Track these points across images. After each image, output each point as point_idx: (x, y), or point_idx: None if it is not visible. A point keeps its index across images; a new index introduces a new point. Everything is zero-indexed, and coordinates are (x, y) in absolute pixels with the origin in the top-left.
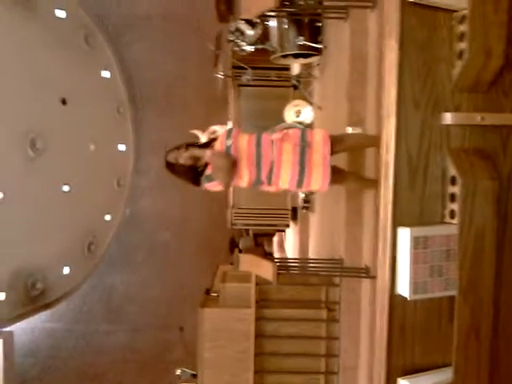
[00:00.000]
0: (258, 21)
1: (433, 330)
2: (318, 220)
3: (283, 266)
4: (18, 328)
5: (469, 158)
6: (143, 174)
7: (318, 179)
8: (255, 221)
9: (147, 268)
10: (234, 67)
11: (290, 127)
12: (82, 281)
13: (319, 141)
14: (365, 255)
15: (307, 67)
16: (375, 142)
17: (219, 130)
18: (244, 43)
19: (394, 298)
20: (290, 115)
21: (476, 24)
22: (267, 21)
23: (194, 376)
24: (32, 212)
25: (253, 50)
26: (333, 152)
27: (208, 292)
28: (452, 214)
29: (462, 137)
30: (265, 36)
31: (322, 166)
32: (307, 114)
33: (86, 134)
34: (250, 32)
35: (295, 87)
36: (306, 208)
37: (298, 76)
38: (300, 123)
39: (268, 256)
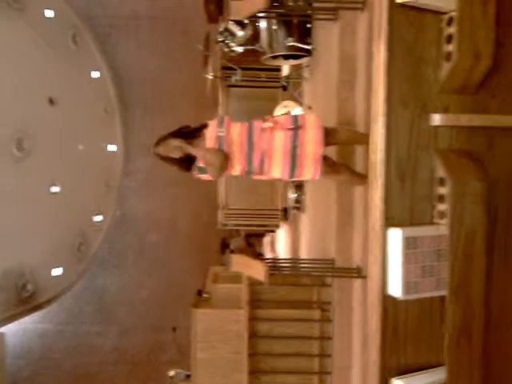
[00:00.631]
0: (248, 22)
1: (425, 329)
2: (309, 220)
3: (275, 266)
4: (9, 329)
5: (457, 159)
6: (132, 175)
7: (311, 168)
8: (246, 221)
9: (138, 269)
10: (224, 68)
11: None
12: (73, 282)
13: (311, 122)
14: (356, 255)
15: (297, 68)
16: (366, 139)
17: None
18: (233, 44)
19: (386, 298)
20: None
21: (464, 26)
22: (257, 22)
23: (189, 376)
24: (20, 213)
25: (242, 50)
26: (325, 143)
27: (200, 293)
28: (441, 215)
29: (449, 138)
30: (254, 37)
31: (314, 155)
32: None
33: (74, 135)
34: (239, 33)
35: (284, 88)
36: (297, 208)
37: (288, 77)
38: None
39: (259, 256)
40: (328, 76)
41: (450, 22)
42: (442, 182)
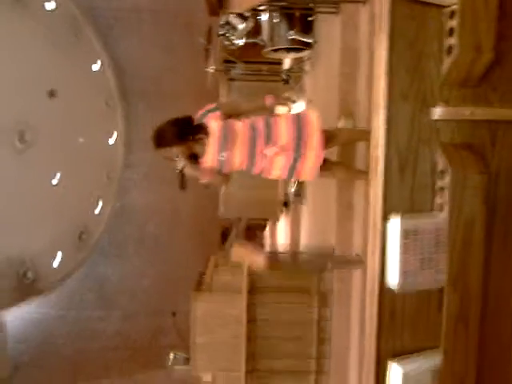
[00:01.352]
0: (249, 15)
1: (422, 315)
2: (310, 211)
3: (275, 256)
4: (11, 315)
5: (458, 152)
6: (133, 167)
7: (309, 171)
8: (247, 212)
9: (139, 259)
10: (225, 61)
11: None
12: (74, 270)
13: (313, 144)
14: (355, 245)
15: (298, 62)
16: (367, 136)
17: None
18: (235, 37)
19: (384, 287)
20: (281, 109)
21: (466, 19)
22: (258, 15)
23: (188, 360)
24: (22, 203)
25: (243, 44)
26: (326, 147)
27: (201, 276)
28: (441, 207)
29: (451, 131)
30: (256, 30)
31: (315, 156)
32: (298, 108)
33: (76, 127)
34: (241, 26)
35: (286, 81)
36: (298, 199)
37: (289, 70)
38: None
39: (260, 247)
40: (329, 69)
41: (451, 15)
42: (442, 174)
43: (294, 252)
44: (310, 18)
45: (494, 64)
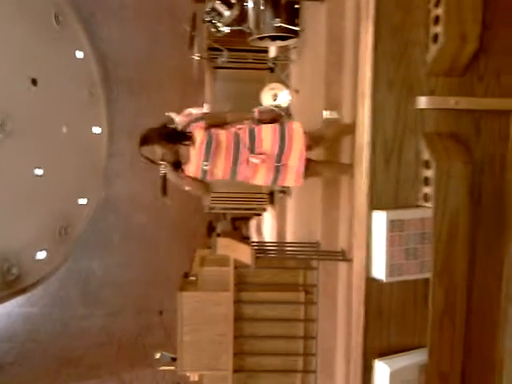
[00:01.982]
0: (235, 1)
1: (409, 312)
2: (295, 204)
3: (261, 249)
4: None
5: (443, 142)
6: (118, 157)
7: (292, 178)
8: (233, 205)
9: (124, 251)
10: (210, 49)
11: (266, 110)
12: (59, 265)
13: (296, 152)
14: (341, 238)
15: (284, 50)
16: (352, 129)
17: (194, 112)
18: (220, 24)
19: (370, 281)
20: (266, 98)
21: (451, 7)
22: (245, 1)
23: (174, 360)
24: (3, 196)
25: (229, 31)
26: (313, 149)
27: (186, 276)
28: (426, 198)
29: (436, 121)
30: (242, 17)
31: (297, 166)
32: (284, 97)
33: (58, 116)
34: (226, 13)
35: (272, 70)
36: (284, 192)
37: (275, 59)
38: (277, 107)
39: (245, 240)
40: (315, 58)
41: (437, 3)
42: (427, 164)
43: (279, 244)
44: (296, 6)
45: (480, 53)
